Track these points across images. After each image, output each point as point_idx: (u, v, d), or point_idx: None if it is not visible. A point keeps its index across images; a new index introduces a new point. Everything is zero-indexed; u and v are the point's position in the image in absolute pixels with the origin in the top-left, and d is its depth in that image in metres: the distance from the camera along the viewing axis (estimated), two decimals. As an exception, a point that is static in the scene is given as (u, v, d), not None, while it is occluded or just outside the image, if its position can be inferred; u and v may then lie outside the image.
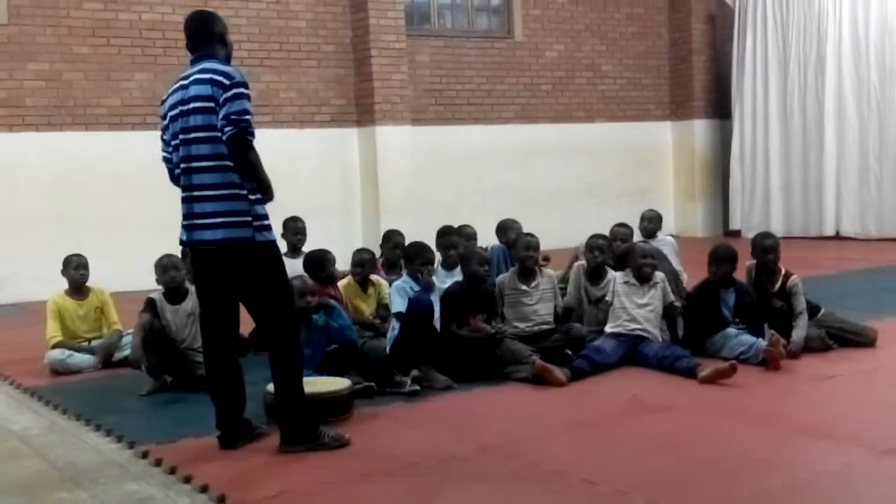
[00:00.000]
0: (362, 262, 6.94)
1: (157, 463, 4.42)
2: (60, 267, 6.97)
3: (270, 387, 4.72)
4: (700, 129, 15.46)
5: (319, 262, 6.61)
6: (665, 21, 15.50)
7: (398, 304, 6.04)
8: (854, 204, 13.65)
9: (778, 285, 6.52)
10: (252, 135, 4.41)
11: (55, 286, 7.06)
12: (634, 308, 6.23)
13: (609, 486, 3.89)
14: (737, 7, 14.82)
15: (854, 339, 6.40)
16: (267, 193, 4.53)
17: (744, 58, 14.78)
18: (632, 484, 3.91)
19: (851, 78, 13.61)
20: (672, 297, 6.42)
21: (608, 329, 6.23)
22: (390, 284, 6.57)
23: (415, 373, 5.63)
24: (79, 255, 7.00)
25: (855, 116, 13.58)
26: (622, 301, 6.27)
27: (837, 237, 13.70)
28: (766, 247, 6.64)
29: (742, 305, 6.39)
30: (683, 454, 4.36)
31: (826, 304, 6.71)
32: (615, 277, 6.43)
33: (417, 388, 5.53)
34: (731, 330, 6.21)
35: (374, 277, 7.03)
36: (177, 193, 4.68)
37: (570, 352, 6.09)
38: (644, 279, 6.31)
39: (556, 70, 14.51)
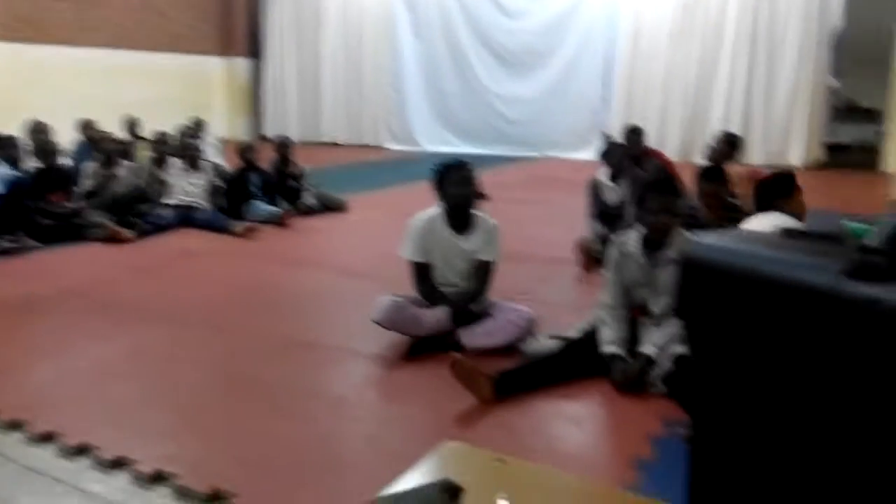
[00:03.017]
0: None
1: None
2: None
3: None
4: (241, 65, 14.73)
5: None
6: (215, -16, 14.39)
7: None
8: (341, 121, 14.09)
9: (293, 170, 6.56)
10: None
11: None
12: (188, 186, 5.85)
13: (158, 309, 3.68)
14: (265, -21, 14.23)
15: (334, 205, 6.62)
16: None
17: (271, 16, 14.30)
18: (177, 306, 3.74)
19: (339, 36, 13.76)
20: (215, 180, 6.12)
21: (167, 201, 5.79)
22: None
23: (8, 237, 4.78)
24: None
25: (341, 62, 13.79)
26: (178, 181, 5.85)
27: (331, 143, 14.04)
28: (283, 144, 6.64)
29: (265, 184, 6.34)
30: (222, 283, 4.28)
31: (323, 185, 6.88)
32: (176, 162, 5.97)
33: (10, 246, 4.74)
34: (257, 201, 6.14)
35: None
36: None
37: (138, 220, 5.56)
38: (193, 165, 5.92)
39: (134, 10, 12.80)
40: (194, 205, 5.82)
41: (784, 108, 10.74)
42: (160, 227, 5.50)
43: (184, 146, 6.21)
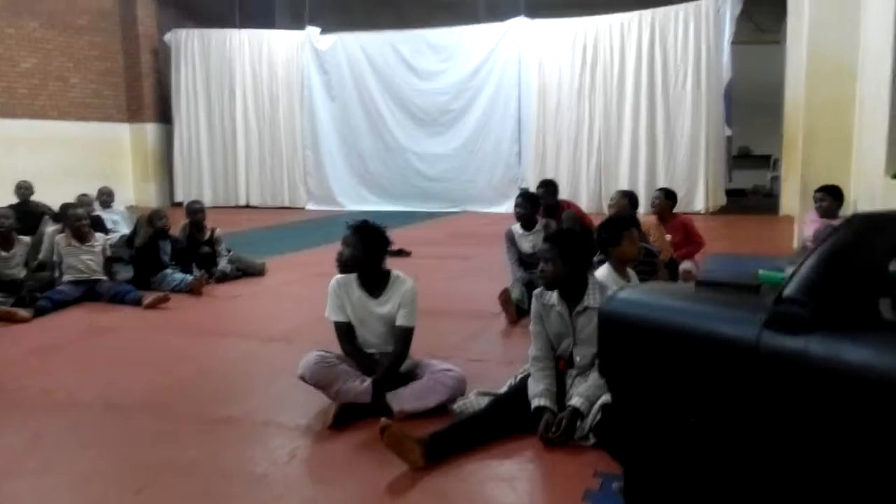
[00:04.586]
0: None
1: None
2: None
3: None
4: (151, 131, 14.38)
5: None
6: (120, 50, 14.06)
7: None
8: (256, 184, 13.87)
9: (207, 236, 6.38)
10: None
11: None
12: (80, 262, 5.49)
13: (63, 392, 3.42)
14: (172, 45, 14.00)
15: (251, 270, 6.47)
16: None
17: (180, 81, 14.04)
18: (83, 387, 3.48)
19: (252, 99, 13.68)
20: (109, 252, 5.80)
21: (66, 279, 5.43)
22: None
23: None
24: None
25: (255, 125, 13.70)
26: (69, 258, 5.48)
27: (248, 206, 13.82)
28: (195, 210, 6.47)
29: (177, 252, 6.12)
30: (131, 360, 4.02)
31: (237, 248, 6.70)
32: (58, 239, 5.62)
33: None
34: (169, 269, 5.91)
35: None
36: None
37: (37, 294, 5.23)
38: (83, 239, 5.57)
39: (31, 78, 12.35)
40: (95, 277, 5.50)
41: (686, 156, 11.32)
42: (61, 304, 5.17)
43: (61, 217, 5.80)
